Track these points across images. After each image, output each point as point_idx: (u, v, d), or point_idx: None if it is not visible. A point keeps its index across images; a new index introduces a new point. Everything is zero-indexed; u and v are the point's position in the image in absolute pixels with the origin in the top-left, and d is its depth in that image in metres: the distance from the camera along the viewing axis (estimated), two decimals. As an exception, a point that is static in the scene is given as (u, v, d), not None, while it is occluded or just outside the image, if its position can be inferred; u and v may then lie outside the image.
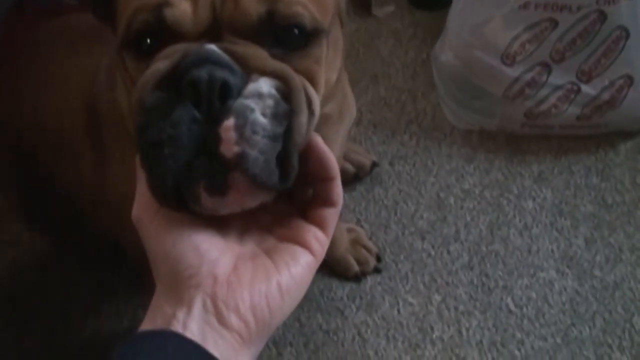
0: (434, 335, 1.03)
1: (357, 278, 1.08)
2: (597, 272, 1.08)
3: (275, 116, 0.47)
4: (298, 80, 0.50)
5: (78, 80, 0.81)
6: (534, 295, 1.06)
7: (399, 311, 1.05)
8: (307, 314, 1.05)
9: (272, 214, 0.52)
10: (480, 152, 1.21)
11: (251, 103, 0.47)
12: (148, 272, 0.50)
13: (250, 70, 0.48)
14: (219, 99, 0.46)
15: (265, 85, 0.48)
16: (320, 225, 0.50)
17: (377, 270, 1.09)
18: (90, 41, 0.84)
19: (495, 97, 1.17)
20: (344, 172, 1.15)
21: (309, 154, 0.49)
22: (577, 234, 1.12)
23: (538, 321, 1.04)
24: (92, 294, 1.09)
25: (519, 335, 1.03)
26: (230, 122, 0.46)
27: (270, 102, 0.47)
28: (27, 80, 0.89)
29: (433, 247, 1.11)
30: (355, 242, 1.09)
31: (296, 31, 0.51)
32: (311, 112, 0.51)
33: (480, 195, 1.16)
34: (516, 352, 1.01)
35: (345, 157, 1.15)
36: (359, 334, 1.03)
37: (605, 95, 1.14)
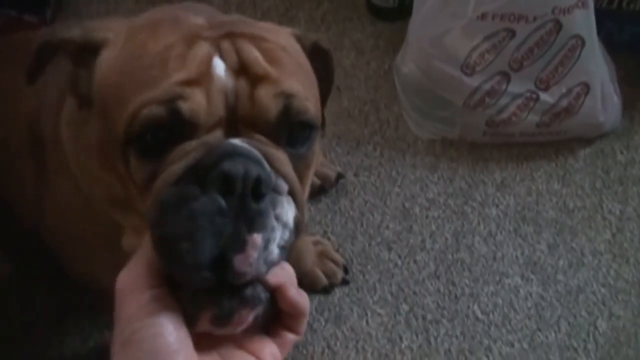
0: (403, 345, 1.03)
1: (326, 291, 1.08)
2: (560, 277, 1.10)
3: (283, 249, 0.48)
4: (305, 203, 0.52)
5: (23, 101, 0.78)
6: (500, 301, 1.07)
7: (367, 322, 1.05)
8: (275, 329, 1.04)
9: None
10: (444, 161, 1.22)
11: (277, 229, 0.48)
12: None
13: (277, 173, 0.49)
14: (252, 195, 0.46)
15: (291, 213, 0.49)
16: (279, 345, 0.50)
17: (344, 282, 1.09)
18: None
19: (456, 107, 1.18)
20: (309, 185, 1.15)
21: (281, 302, 0.49)
22: (540, 239, 1.13)
23: (505, 327, 1.05)
24: (56, 314, 1.07)
25: (486, 342, 1.04)
26: (259, 238, 0.46)
27: (287, 235, 0.48)
28: None
29: (400, 257, 1.12)
30: (322, 255, 1.08)
31: (304, 127, 0.53)
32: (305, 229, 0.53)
33: (444, 204, 1.17)
34: (484, 358, 1.02)
35: (310, 170, 1.15)
36: (329, 346, 1.03)
37: (563, 103, 1.16)
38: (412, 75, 1.21)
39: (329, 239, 1.13)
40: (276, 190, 0.48)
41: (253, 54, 0.52)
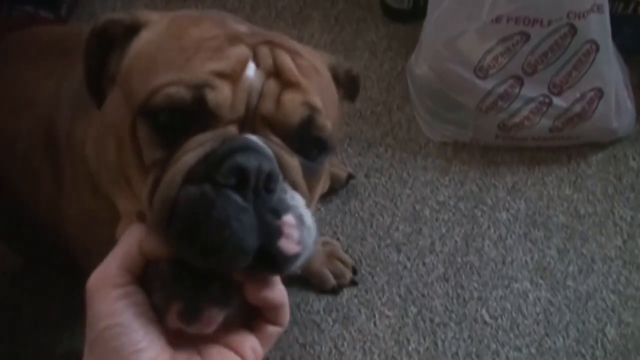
0: (410, 348, 1.03)
1: (334, 291, 1.08)
2: (570, 283, 1.09)
3: (313, 226, 0.49)
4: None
5: (37, 102, 0.79)
6: (508, 306, 1.07)
7: (375, 324, 1.05)
8: (283, 328, 1.05)
9: None
10: (455, 164, 1.22)
11: (301, 207, 0.49)
12: None
13: (285, 179, 0.49)
14: (265, 189, 0.46)
15: (300, 200, 0.50)
16: (261, 339, 0.50)
17: (353, 283, 1.09)
18: (55, 58, 0.83)
19: (469, 110, 1.18)
20: (319, 185, 1.15)
21: (250, 297, 0.49)
22: (550, 244, 1.13)
23: (513, 332, 1.05)
24: (66, 310, 1.07)
25: (494, 346, 1.03)
26: (290, 217, 0.47)
27: (308, 215, 0.49)
28: None
29: (409, 259, 1.12)
30: (331, 255, 1.09)
31: (319, 144, 0.53)
32: None
33: (455, 207, 1.17)
34: (491, 363, 1.02)
35: (321, 170, 1.15)
36: (336, 347, 1.03)
37: (577, 108, 1.16)
38: (425, 77, 1.21)
39: (338, 239, 1.13)
40: (292, 198, 0.49)
41: (288, 62, 0.52)
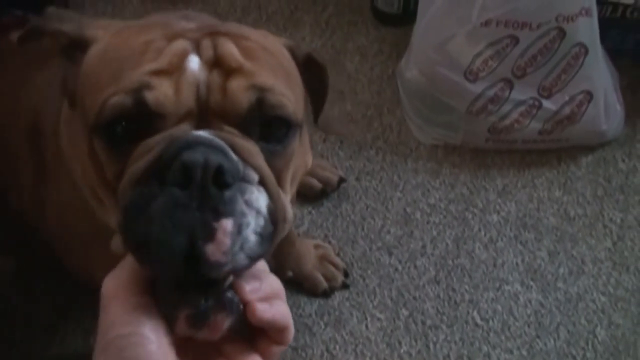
0: (402, 350, 1.03)
1: (326, 294, 1.08)
2: (560, 285, 1.10)
3: (261, 236, 0.47)
4: (281, 195, 0.51)
5: (26, 95, 0.79)
6: (499, 308, 1.07)
7: (367, 326, 1.06)
8: (275, 331, 1.05)
9: None
10: (446, 167, 1.22)
11: (248, 215, 0.46)
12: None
13: (245, 163, 0.48)
14: (214, 185, 0.45)
15: (262, 200, 0.48)
16: (264, 357, 0.50)
17: (345, 286, 1.09)
18: (47, 56, 0.83)
19: (459, 113, 1.18)
20: (310, 188, 1.15)
21: (250, 317, 0.48)
22: (540, 246, 1.13)
23: (504, 334, 1.05)
24: (58, 311, 1.07)
25: (485, 348, 1.04)
26: (229, 224, 0.45)
27: (261, 222, 0.47)
28: None
29: (400, 262, 1.12)
30: (323, 259, 1.09)
31: (278, 123, 0.52)
32: (286, 221, 0.52)
33: (446, 209, 1.17)
34: (483, 365, 1.02)
35: (312, 173, 1.16)
36: (328, 350, 1.04)
37: (566, 110, 1.16)
38: (415, 80, 1.22)
39: (329, 242, 1.13)
40: (245, 180, 0.47)
41: (229, 48, 0.51)
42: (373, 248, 1.13)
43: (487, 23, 1.10)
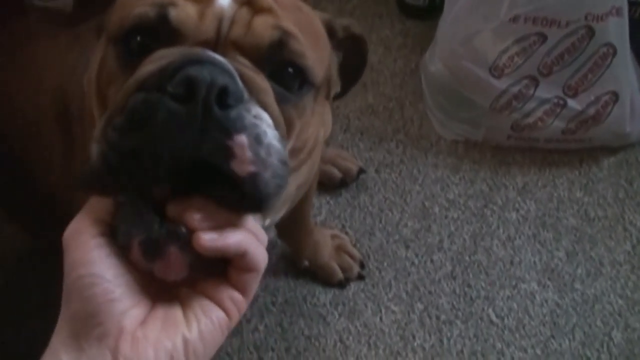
0: (415, 344, 1.03)
1: (341, 285, 1.08)
2: (577, 286, 1.09)
3: (282, 140, 0.47)
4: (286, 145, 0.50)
5: (55, 74, 0.79)
6: (515, 306, 1.07)
7: (381, 319, 1.05)
8: (289, 319, 1.05)
9: None
10: (466, 163, 1.22)
11: (261, 125, 0.46)
12: None
13: (252, 96, 0.47)
14: (217, 104, 0.44)
15: (272, 131, 0.47)
16: (240, 289, 0.48)
17: (360, 277, 1.09)
18: (76, 36, 0.83)
19: (482, 109, 1.18)
20: (331, 177, 1.15)
21: (196, 246, 0.46)
22: (559, 246, 1.13)
23: (518, 332, 1.04)
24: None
25: (499, 345, 1.03)
26: (242, 137, 0.44)
27: (277, 136, 0.47)
28: (7, 66, 0.88)
29: (417, 255, 1.11)
30: (340, 249, 1.08)
31: (294, 72, 0.51)
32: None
33: (464, 205, 1.17)
34: (496, 362, 1.02)
35: (332, 163, 1.15)
36: (341, 340, 1.03)
37: (591, 111, 1.15)
38: (439, 74, 1.21)
39: (347, 233, 1.13)
40: (256, 117, 0.46)
41: None
42: (390, 241, 1.13)
43: (515, 19, 1.09)
